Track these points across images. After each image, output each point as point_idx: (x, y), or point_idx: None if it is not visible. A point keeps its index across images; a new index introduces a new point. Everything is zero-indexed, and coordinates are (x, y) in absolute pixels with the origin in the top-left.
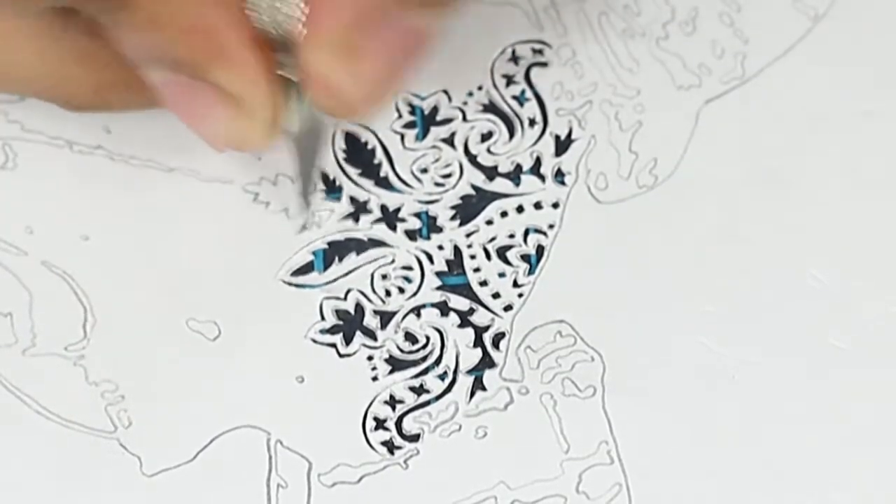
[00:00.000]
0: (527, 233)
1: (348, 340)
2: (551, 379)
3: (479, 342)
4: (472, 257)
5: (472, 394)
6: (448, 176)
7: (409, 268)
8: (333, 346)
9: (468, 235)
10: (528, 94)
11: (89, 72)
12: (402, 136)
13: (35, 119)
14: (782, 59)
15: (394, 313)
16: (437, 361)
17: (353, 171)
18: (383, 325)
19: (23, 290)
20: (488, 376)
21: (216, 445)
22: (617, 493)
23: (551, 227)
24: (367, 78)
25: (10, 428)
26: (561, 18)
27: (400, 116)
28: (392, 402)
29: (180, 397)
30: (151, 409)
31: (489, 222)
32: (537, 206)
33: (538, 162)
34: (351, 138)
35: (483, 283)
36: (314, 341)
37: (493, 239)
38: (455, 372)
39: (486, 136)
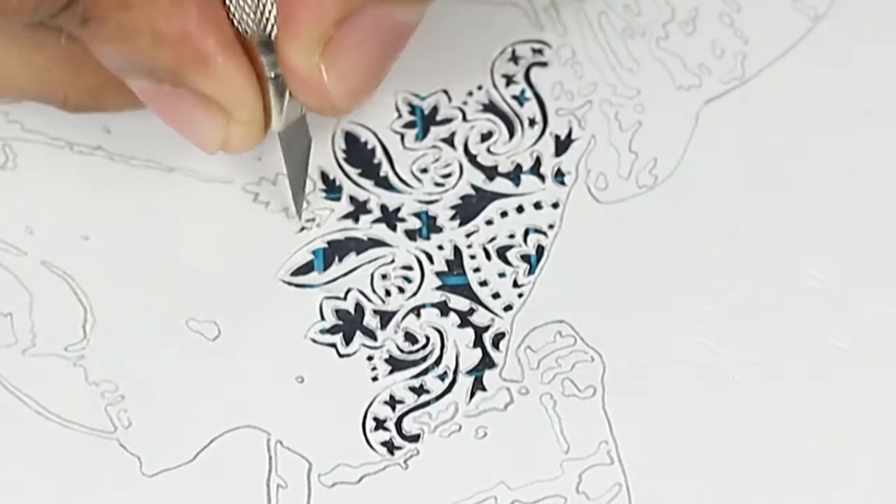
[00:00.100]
0: (527, 233)
1: (348, 340)
2: (551, 379)
3: (479, 342)
4: (472, 257)
5: (472, 394)
6: (448, 176)
7: (409, 268)
8: (333, 346)
9: (468, 235)
10: (528, 93)
11: (79, 76)
12: (402, 136)
13: (35, 119)
14: (782, 59)
15: (394, 313)
16: (437, 362)
17: (352, 171)
18: (383, 325)
19: (23, 291)
20: (488, 376)
21: (216, 445)
22: (617, 493)
23: (551, 227)
24: (347, 73)
25: (10, 428)
26: (561, 18)
27: (400, 116)
28: (392, 402)
29: (180, 397)
30: (151, 409)
31: (489, 222)
32: (537, 206)
33: (538, 162)
34: (351, 138)
35: (483, 283)
36: (314, 341)
37: (493, 239)
38: (455, 372)
39: (485, 136)
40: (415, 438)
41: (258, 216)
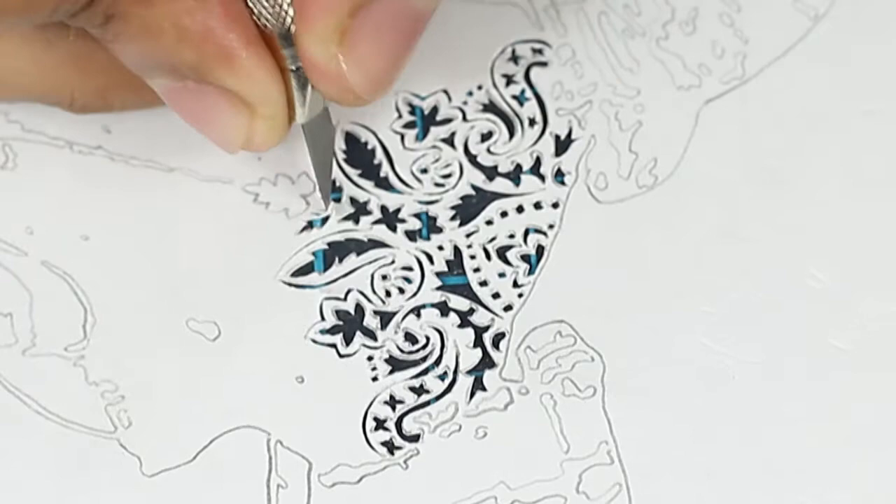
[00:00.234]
0: (527, 233)
1: (348, 341)
2: (551, 379)
3: (479, 342)
4: (472, 257)
5: (472, 394)
6: (448, 176)
7: (409, 268)
8: (333, 346)
9: (468, 235)
10: (528, 93)
11: (88, 76)
12: (402, 137)
13: (35, 119)
14: (782, 59)
15: (394, 313)
16: (437, 362)
17: (353, 172)
18: (383, 326)
19: (23, 291)
20: (488, 376)
21: (216, 445)
22: (617, 493)
23: (551, 227)
24: (365, 62)
25: (9, 428)
26: (561, 18)
27: (400, 116)
28: (392, 402)
29: (180, 397)
30: (151, 409)
31: (489, 222)
32: (537, 206)
33: (538, 162)
34: (351, 139)
35: (483, 284)
36: (314, 341)
37: (493, 239)
38: (455, 372)
39: (485, 136)
40: (415, 438)
41: (258, 216)
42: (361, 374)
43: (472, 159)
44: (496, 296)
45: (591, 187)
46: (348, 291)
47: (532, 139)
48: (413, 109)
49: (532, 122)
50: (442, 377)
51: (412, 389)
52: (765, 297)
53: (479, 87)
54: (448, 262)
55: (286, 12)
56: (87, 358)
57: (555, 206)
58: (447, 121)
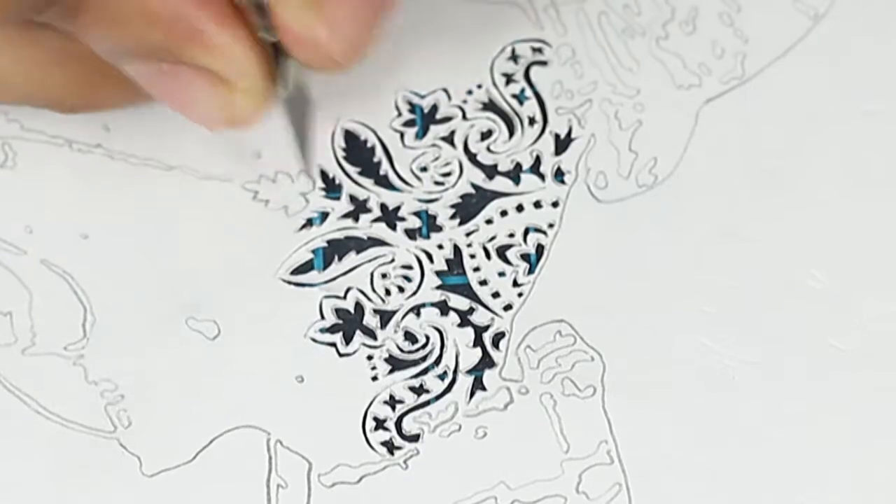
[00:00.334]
0: (526, 232)
1: (348, 340)
2: (551, 379)
3: (478, 342)
4: (472, 256)
5: (472, 394)
6: (448, 174)
7: (409, 267)
8: (333, 345)
9: (468, 234)
10: (528, 92)
11: (70, 72)
12: (402, 135)
13: (34, 118)
14: (782, 59)
15: (393, 312)
16: (437, 361)
17: (352, 170)
18: (383, 325)
19: (22, 290)
20: (488, 376)
21: (216, 445)
22: (617, 493)
23: (551, 226)
24: (342, 26)
25: (9, 428)
26: (561, 17)
27: (399, 114)
28: (392, 402)
29: (180, 396)
30: (151, 409)
31: (489, 221)
32: (537, 205)
33: (538, 161)
34: (350, 136)
35: (483, 283)
36: (314, 340)
37: (492, 238)
38: (455, 372)
39: (485, 135)
40: (415, 438)
41: (258, 214)
42: (361, 373)
43: (472, 158)
44: (496, 295)
45: (590, 186)
46: (348, 290)
47: (532, 138)
48: (413, 107)
49: (532, 120)
50: (442, 377)
51: (412, 389)
52: (765, 298)
53: (479, 86)
54: (448, 261)
55: None
56: (86, 357)
57: (555, 205)
58: (447, 119)
